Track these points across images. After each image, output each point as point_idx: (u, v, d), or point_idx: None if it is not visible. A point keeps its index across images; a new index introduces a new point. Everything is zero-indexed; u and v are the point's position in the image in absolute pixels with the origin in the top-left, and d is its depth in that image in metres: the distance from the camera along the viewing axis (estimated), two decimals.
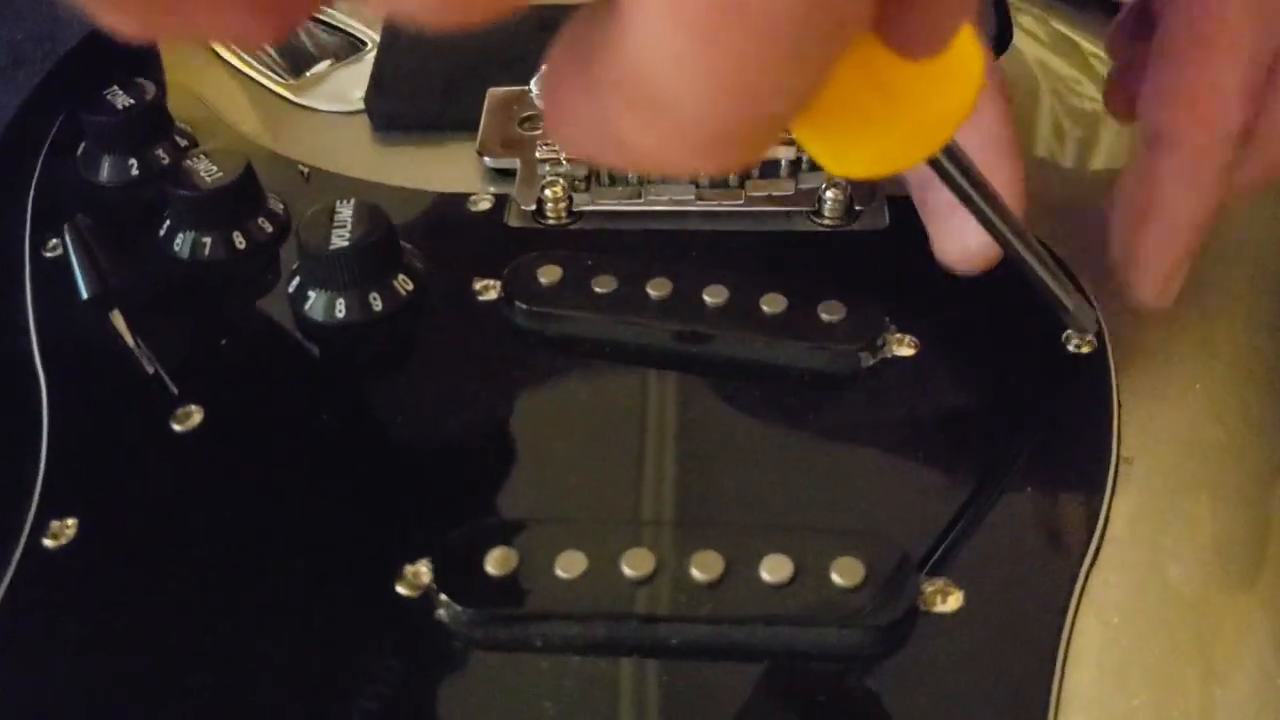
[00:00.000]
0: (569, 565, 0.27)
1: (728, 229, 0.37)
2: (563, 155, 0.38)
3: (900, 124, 0.20)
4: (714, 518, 0.30)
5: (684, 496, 0.30)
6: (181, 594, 0.29)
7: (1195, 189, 0.30)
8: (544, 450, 0.32)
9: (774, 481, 0.30)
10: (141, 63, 0.43)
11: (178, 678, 0.27)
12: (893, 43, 0.18)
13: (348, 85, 0.44)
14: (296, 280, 0.35)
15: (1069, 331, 0.33)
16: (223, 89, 0.45)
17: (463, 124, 0.41)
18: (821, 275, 0.36)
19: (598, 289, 0.34)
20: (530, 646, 0.27)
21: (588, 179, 0.38)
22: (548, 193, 0.38)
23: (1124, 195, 0.31)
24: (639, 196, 0.38)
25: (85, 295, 0.36)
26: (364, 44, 0.46)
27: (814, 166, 0.37)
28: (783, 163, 0.38)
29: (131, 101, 0.40)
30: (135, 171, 0.40)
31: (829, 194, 0.37)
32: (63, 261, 0.37)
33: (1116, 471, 0.30)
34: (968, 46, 0.20)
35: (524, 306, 0.34)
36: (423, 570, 0.28)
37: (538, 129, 0.39)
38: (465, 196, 0.39)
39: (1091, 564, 0.28)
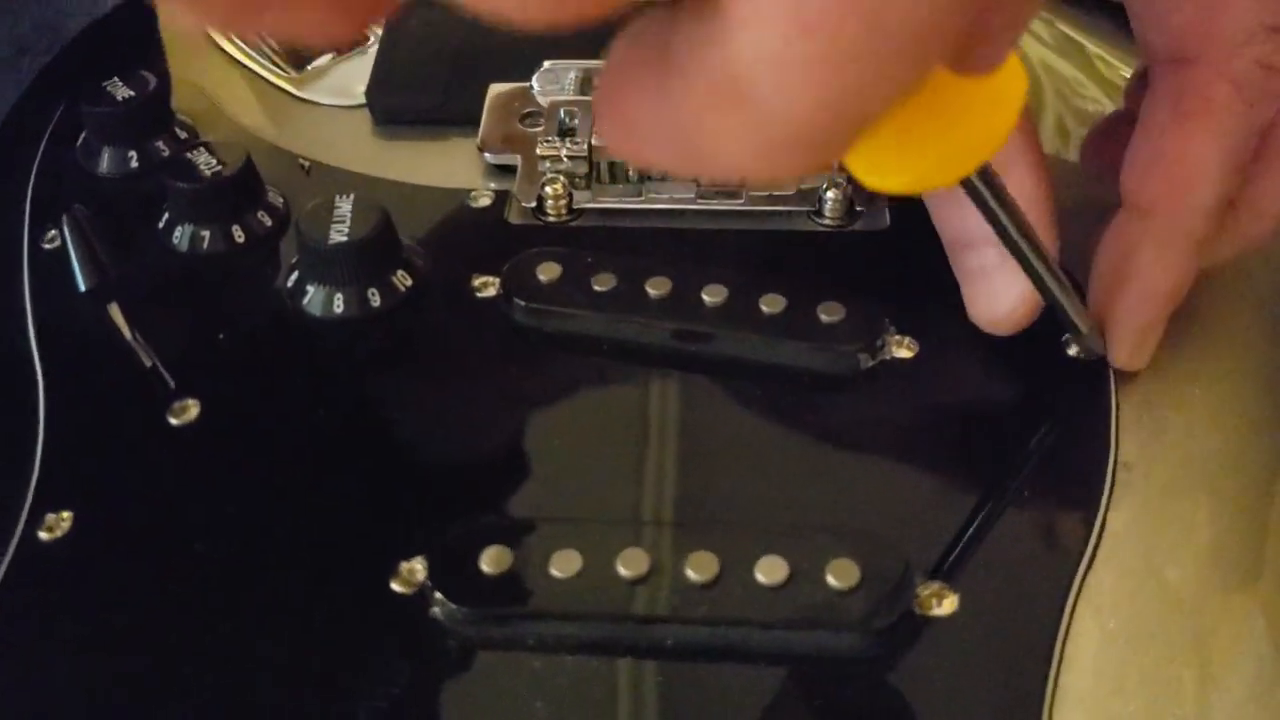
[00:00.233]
0: (564, 564, 0.27)
1: (728, 228, 0.37)
2: (563, 153, 0.38)
3: (944, 140, 0.20)
4: (710, 518, 0.30)
5: (680, 496, 0.30)
6: (175, 588, 0.29)
7: (1168, 257, 0.30)
8: (541, 448, 0.32)
9: (770, 482, 0.30)
10: (144, 54, 0.43)
11: (170, 671, 0.27)
12: (956, 57, 0.18)
13: (349, 79, 0.44)
14: (295, 274, 0.35)
15: (1068, 335, 0.32)
16: (224, 81, 0.44)
17: (464, 119, 0.41)
18: (821, 276, 0.35)
19: (597, 287, 0.34)
20: (524, 645, 0.27)
21: (588, 176, 0.38)
22: (548, 189, 0.37)
23: (1101, 255, 0.31)
24: (639, 194, 0.38)
25: (83, 287, 0.36)
26: (366, 38, 0.46)
27: None
28: None
29: (132, 93, 0.40)
30: (135, 163, 0.40)
31: (829, 194, 0.37)
32: (61, 254, 0.37)
33: (1114, 475, 0.30)
34: (1013, 65, 0.20)
35: (523, 303, 0.34)
36: (418, 567, 0.28)
37: (539, 125, 0.39)
38: (465, 192, 0.39)
39: (1088, 567, 0.28)
